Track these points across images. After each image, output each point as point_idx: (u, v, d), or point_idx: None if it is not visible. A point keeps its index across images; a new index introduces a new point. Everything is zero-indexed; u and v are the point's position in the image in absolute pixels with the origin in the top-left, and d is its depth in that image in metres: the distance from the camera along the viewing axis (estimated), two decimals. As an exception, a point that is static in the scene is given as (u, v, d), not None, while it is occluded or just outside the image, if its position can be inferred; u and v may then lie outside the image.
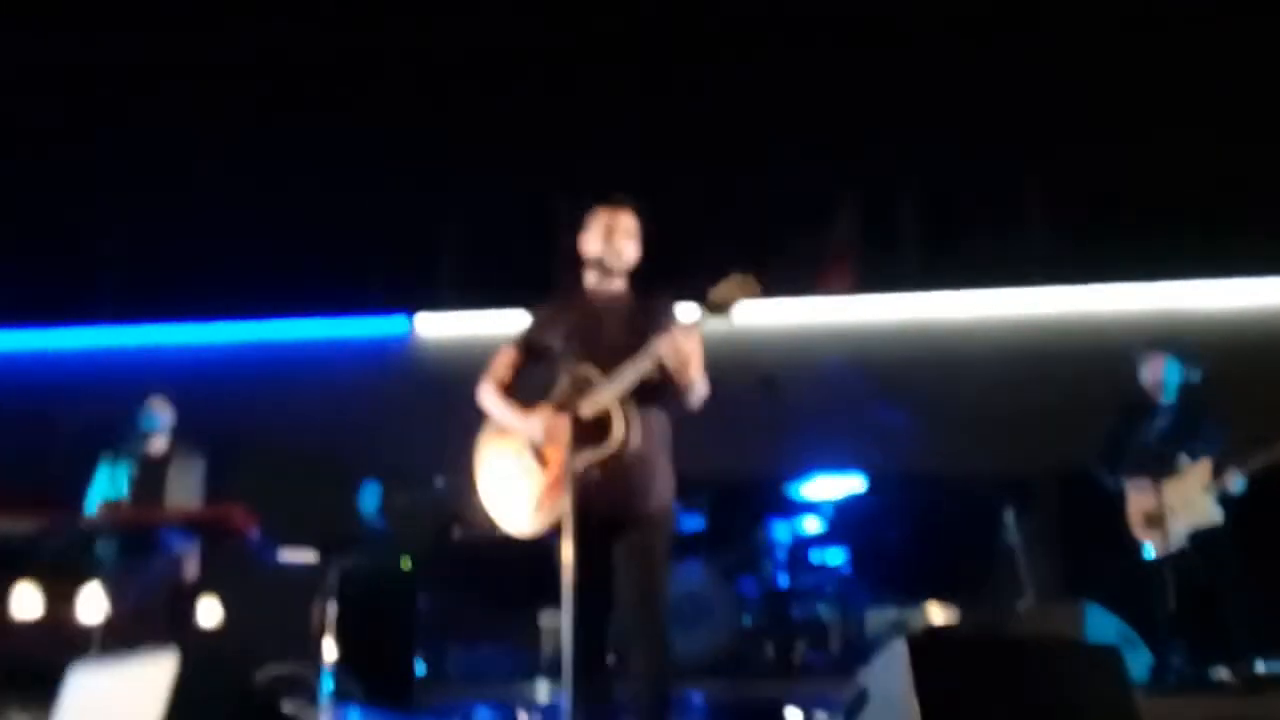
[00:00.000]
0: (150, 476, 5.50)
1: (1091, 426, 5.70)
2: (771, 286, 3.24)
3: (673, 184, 7.51)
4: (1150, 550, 5.29)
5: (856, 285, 8.33)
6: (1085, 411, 5.92)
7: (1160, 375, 5.44)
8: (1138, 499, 5.36)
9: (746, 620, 6.30)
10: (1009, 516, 5.95)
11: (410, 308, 8.79)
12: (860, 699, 2.94)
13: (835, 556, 6.55)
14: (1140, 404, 5.53)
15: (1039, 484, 7.18)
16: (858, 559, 6.53)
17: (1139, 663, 4.84)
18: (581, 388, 3.30)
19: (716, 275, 3.17)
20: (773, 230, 7.86)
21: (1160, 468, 5.29)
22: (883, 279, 8.45)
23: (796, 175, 8.22)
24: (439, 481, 6.35)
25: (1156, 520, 5.24)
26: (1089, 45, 8.14)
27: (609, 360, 3.26)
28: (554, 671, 5.99)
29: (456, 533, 6.88)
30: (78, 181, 8.59)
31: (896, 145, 8.18)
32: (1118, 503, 5.44)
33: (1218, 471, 5.18)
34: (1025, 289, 8.41)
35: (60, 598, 5.30)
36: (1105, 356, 6.50)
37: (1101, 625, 4.87)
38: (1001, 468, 7.13)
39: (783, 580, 6.42)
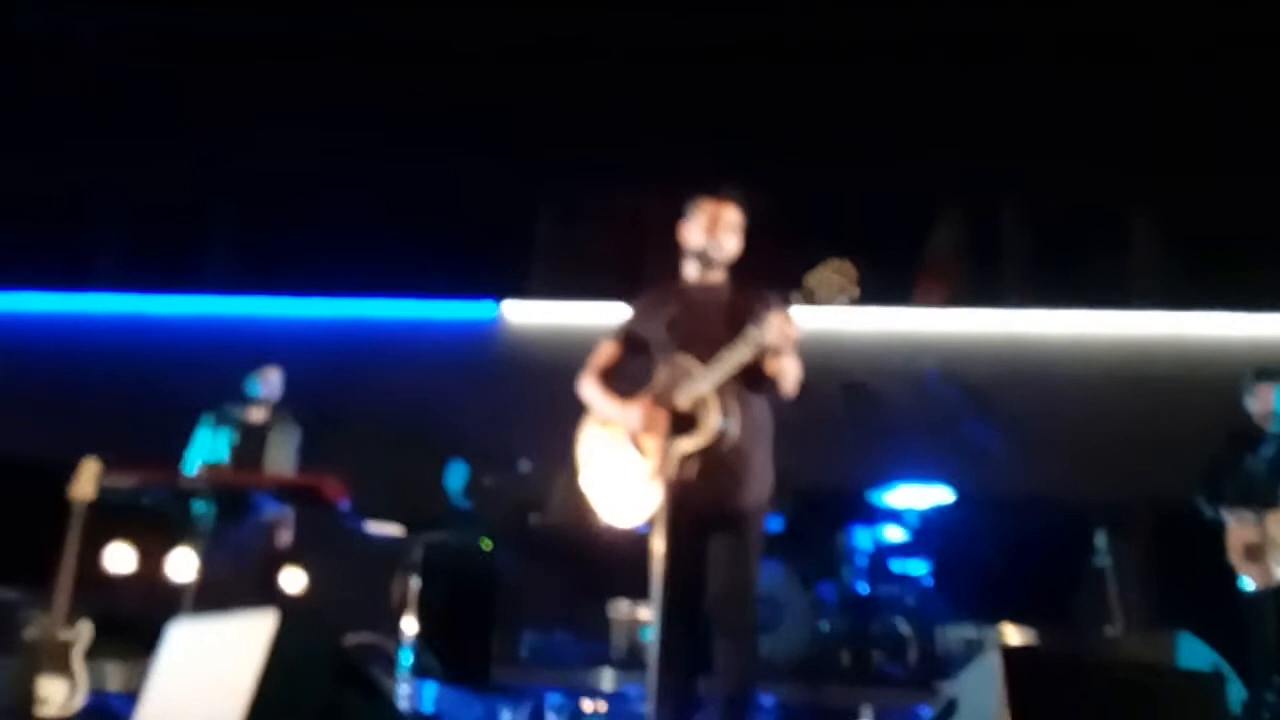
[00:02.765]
0: (250, 442, 5.66)
1: (1191, 454, 5.53)
2: (872, 293, 3.20)
3: (774, 183, 7.46)
4: (1249, 583, 5.12)
5: (952, 299, 8.21)
6: (1184, 438, 5.76)
7: (1270, 404, 5.27)
8: (1239, 530, 5.20)
9: (824, 626, 6.24)
10: (1101, 540, 5.80)
11: (498, 294, 8.89)
12: (949, 708, 2.89)
13: (917, 567, 6.45)
14: (1245, 433, 5.36)
15: (1134, 509, 7.00)
16: (939, 572, 6.42)
17: (1233, 697, 4.69)
18: (679, 378, 3.31)
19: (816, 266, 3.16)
20: (875, 236, 7.77)
21: (1264, 499, 5.13)
22: (984, 293, 8.32)
23: (903, 182, 8.12)
24: (523, 465, 6.41)
25: (1258, 553, 5.08)
26: (1211, 69, 7.91)
27: (707, 351, 3.26)
28: (624, 663, 6.01)
29: (536, 518, 6.94)
30: (195, 157, 8.85)
31: (1007, 157, 8.04)
32: (1216, 532, 5.28)
33: (1324, 507, 5.00)
34: (1130, 311, 8.22)
35: (154, 555, 5.48)
36: (1208, 383, 6.33)
37: (1195, 656, 4.74)
38: (1095, 491, 6.96)
39: (862, 588, 6.35)
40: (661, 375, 3.40)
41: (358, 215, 8.85)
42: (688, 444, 3.19)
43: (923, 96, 8.14)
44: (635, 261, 8.21)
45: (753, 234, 3.61)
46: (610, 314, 3.72)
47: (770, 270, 3.46)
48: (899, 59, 8.25)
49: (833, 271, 3.12)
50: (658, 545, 3.03)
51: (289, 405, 5.95)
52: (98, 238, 9.35)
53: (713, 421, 3.19)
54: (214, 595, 4.71)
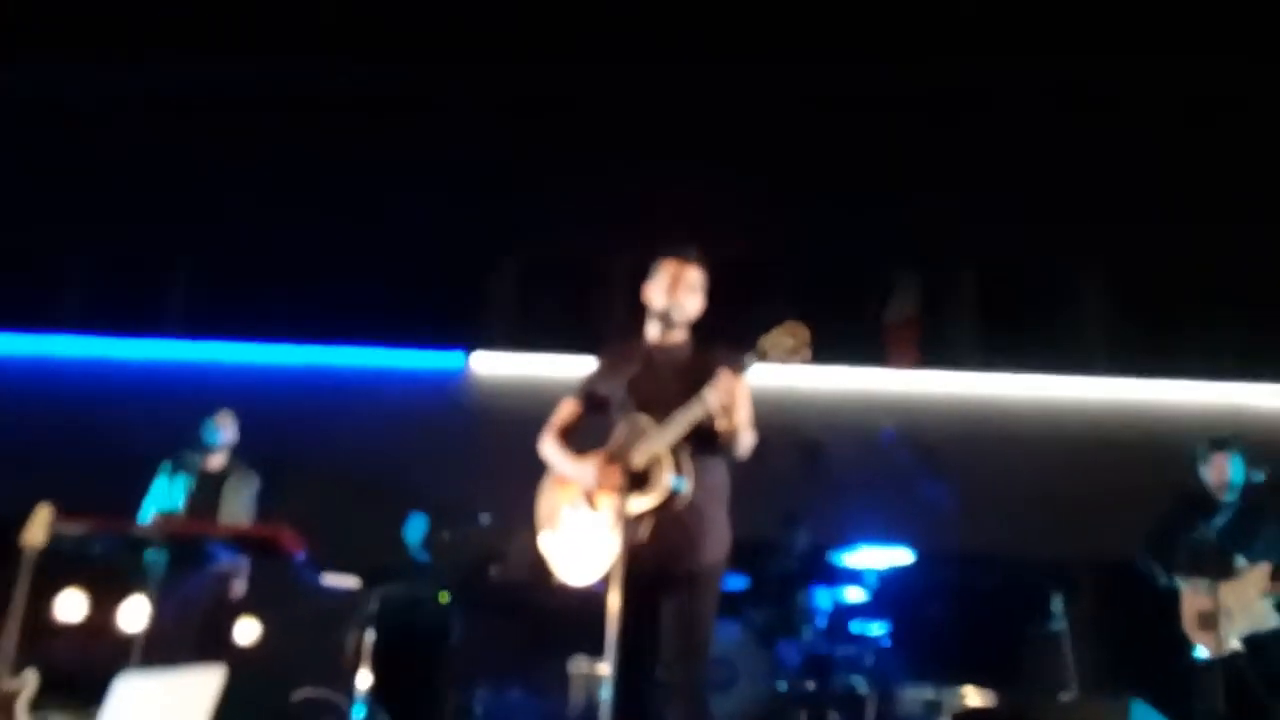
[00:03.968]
0: (206, 490, 5.60)
1: (1145, 518, 5.59)
2: (827, 354, 3.26)
3: (737, 242, 7.55)
4: (1202, 651, 5.16)
5: (919, 360, 8.31)
6: (1139, 502, 5.81)
7: (1226, 474, 5.33)
8: (1193, 598, 5.24)
9: (781, 686, 6.21)
10: (1057, 603, 5.84)
11: (467, 345, 8.88)
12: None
13: (876, 628, 6.45)
14: (1197, 499, 5.42)
15: (1089, 572, 7.05)
16: (898, 633, 6.42)
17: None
18: (635, 437, 3.33)
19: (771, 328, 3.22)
20: (833, 294, 7.88)
21: (1217, 567, 5.17)
22: (939, 355, 8.42)
23: (856, 245, 8.25)
24: (483, 518, 6.38)
25: (1211, 621, 5.12)
26: (1159, 133, 8.11)
27: (665, 410, 3.28)
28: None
29: (494, 571, 6.88)
30: (154, 203, 8.86)
31: (960, 221, 8.19)
32: (1168, 598, 5.32)
33: (1276, 576, 5.06)
34: (1084, 377, 8.34)
35: (106, 605, 5.39)
36: (1162, 448, 6.41)
37: (1147, 723, 4.74)
38: (1051, 553, 7.02)
39: (820, 647, 6.33)
40: (619, 434, 3.43)
41: (326, 263, 8.85)
42: (641, 502, 3.21)
43: (884, 156, 8.30)
44: (602, 316, 8.30)
45: (714, 294, 3.65)
46: (581, 367, 3.73)
47: (729, 331, 3.50)
48: (857, 120, 8.42)
49: (785, 334, 3.17)
50: (614, 603, 3.02)
51: (247, 453, 5.90)
52: (57, 281, 9.29)
53: (665, 481, 3.21)
54: (164, 646, 4.64)
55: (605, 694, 2.97)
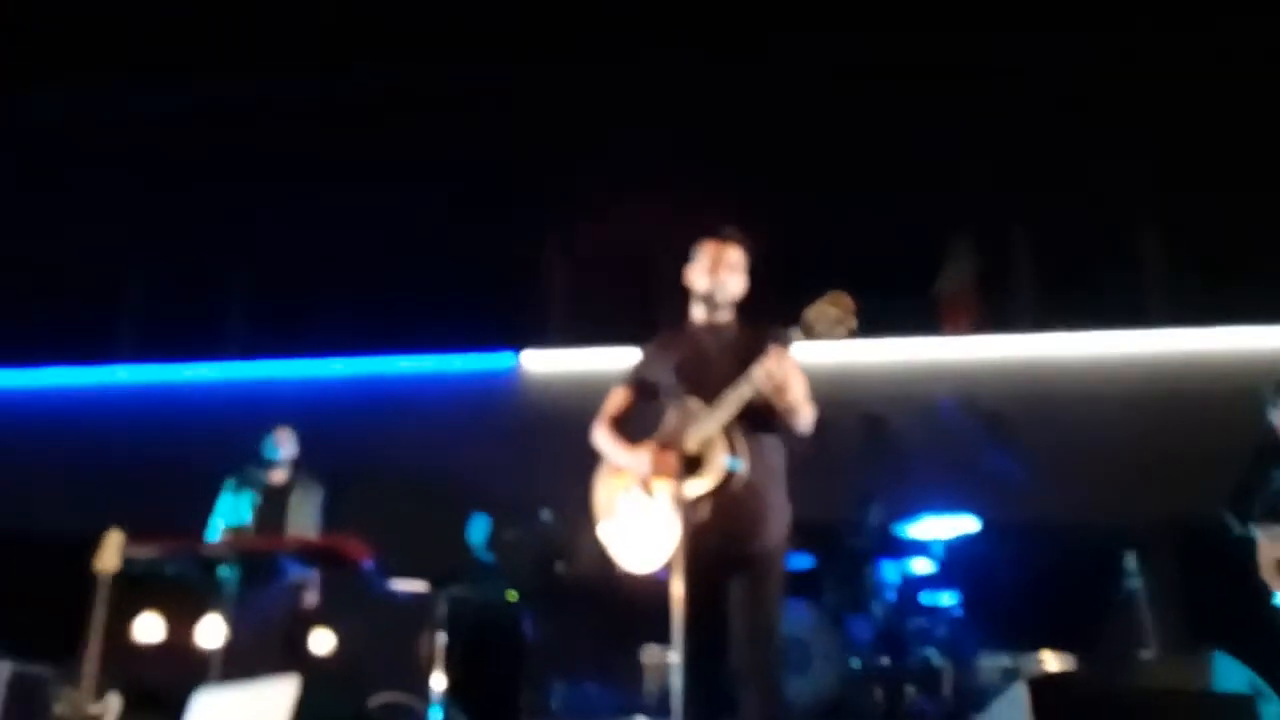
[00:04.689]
0: (272, 505, 5.69)
1: (1213, 470, 5.47)
2: (884, 326, 3.22)
3: (785, 220, 7.49)
4: (1281, 599, 5.04)
5: (977, 326, 8.19)
6: (1205, 454, 5.71)
7: (1293, 418, 5.21)
8: (1269, 546, 5.12)
9: (855, 664, 6.17)
10: (1130, 562, 5.73)
11: (517, 344, 8.91)
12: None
13: (947, 599, 6.37)
14: (1269, 447, 5.30)
15: (1160, 530, 6.91)
16: (970, 603, 6.33)
17: (1271, 715, 4.60)
18: (687, 421, 3.31)
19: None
20: (886, 268, 7.77)
21: (1292, 513, 5.06)
22: (998, 318, 8.29)
23: (912, 212, 8.14)
24: (544, 515, 6.40)
25: (1289, 568, 5.00)
26: (1210, 86, 7.92)
27: (715, 392, 3.27)
28: (657, 709, 5.95)
29: (560, 567, 6.91)
30: (206, 227, 8.99)
31: (1012, 183, 8.06)
32: (1246, 549, 5.20)
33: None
34: (1145, 330, 8.16)
35: (182, 623, 5.48)
36: (1227, 398, 6.26)
37: (1231, 675, 4.63)
38: (1119, 512, 6.89)
39: (892, 622, 6.27)
40: (670, 419, 3.42)
41: (372, 276, 8.94)
42: (697, 486, 3.19)
43: (929, 125, 8.19)
44: (649, 305, 8.27)
45: (760, 272, 3.63)
46: (631, 358, 3.73)
47: (778, 307, 3.47)
48: (901, 90, 8.32)
49: (829, 304, 3.13)
50: (678, 590, 3.01)
51: (310, 465, 5.98)
52: (115, 311, 9.48)
53: (720, 462, 3.19)
54: (242, 661, 4.70)
55: (676, 682, 2.96)
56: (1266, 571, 5.12)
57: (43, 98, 8.98)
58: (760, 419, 3.27)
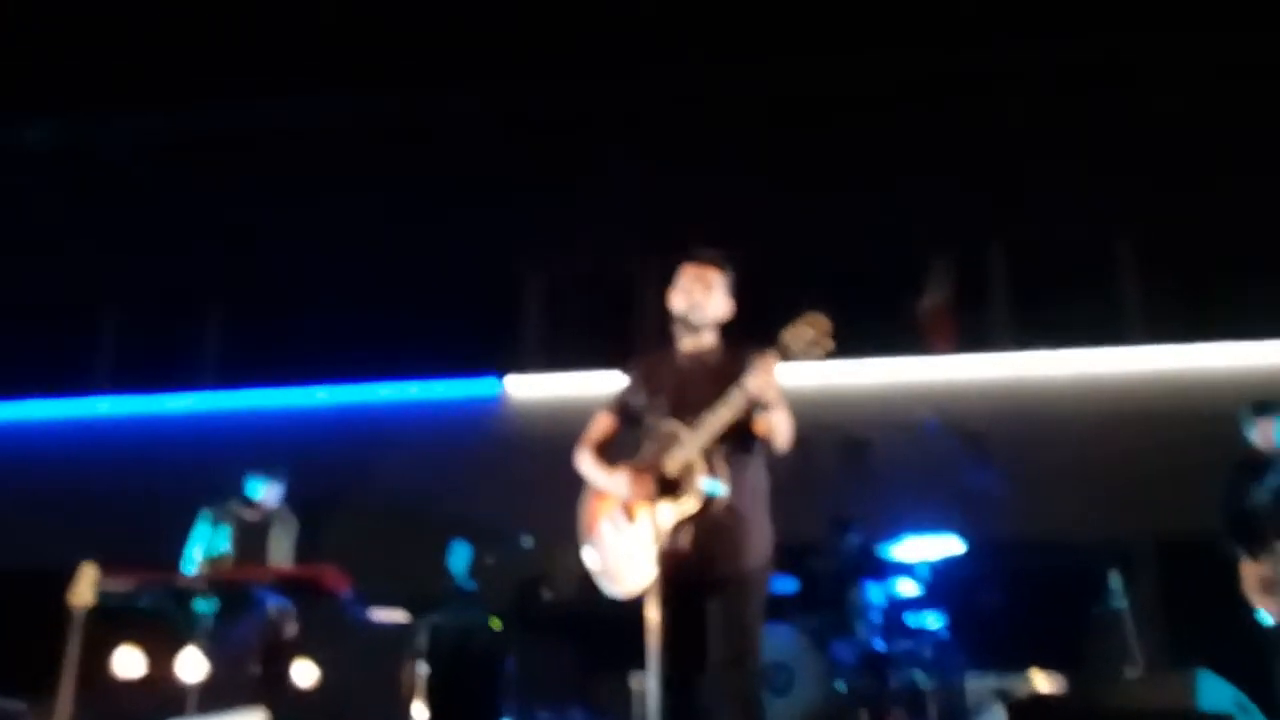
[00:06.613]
0: (250, 538, 5.63)
1: (1192, 486, 5.50)
2: (864, 347, 3.22)
3: (762, 240, 7.51)
4: (1267, 616, 5.04)
5: (956, 345, 8.20)
6: (1187, 472, 5.72)
7: (1272, 439, 5.23)
8: (1253, 564, 5.13)
9: (840, 686, 6.12)
10: (1114, 580, 5.72)
11: (500, 370, 8.89)
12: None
13: (932, 620, 6.34)
14: (1248, 462, 5.31)
15: (1144, 546, 6.92)
16: (956, 623, 6.31)
17: (1256, 734, 4.58)
18: (668, 444, 3.30)
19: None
20: (864, 288, 7.79)
21: (1275, 529, 5.06)
22: (975, 339, 8.31)
23: (889, 233, 8.17)
24: (526, 541, 6.36)
25: (1273, 586, 5.01)
26: (1185, 100, 7.99)
27: (697, 414, 3.25)
28: (642, 735, 5.91)
29: (545, 593, 6.86)
30: (180, 256, 8.96)
31: (988, 202, 8.10)
32: (1231, 567, 5.20)
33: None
34: (1123, 348, 8.19)
35: (160, 657, 5.41)
36: (1204, 414, 6.28)
37: (1216, 693, 4.61)
38: (1102, 529, 6.89)
39: (878, 645, 6.23)
40: (652, 442, 3.40)
41: (352, 303, 8.91)
42: (677, 509, 3.17)
43: (905, 145, 8.24)
44: (633, 330, 8.26)
45: (742, 294, 3.62)
46: (616, 383, 3.72)
47: (756, 328, 3.46)
48: (879, 110, 8.37)
49: (805, 325, 3.14)
50: (651, 615, 2.99)
51: (288, 499, 5.94)
52: (91, 341, 9.41)
53: (699, 485, 3.17)
54: (222, 693, 4.65)
55: (651, 704, 2.93)
56: (1251, 590, 5.13)
57: (15, 130, 8.95)
58: (741, 440, 3.26)
